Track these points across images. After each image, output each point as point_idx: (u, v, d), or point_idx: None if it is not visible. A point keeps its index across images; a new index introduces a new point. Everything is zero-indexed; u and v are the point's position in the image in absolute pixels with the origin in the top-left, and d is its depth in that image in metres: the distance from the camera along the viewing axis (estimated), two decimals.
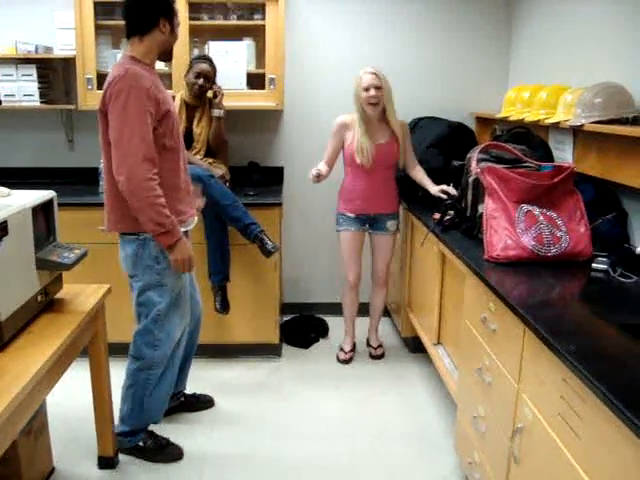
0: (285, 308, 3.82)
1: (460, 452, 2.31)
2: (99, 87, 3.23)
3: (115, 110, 1.98)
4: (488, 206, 2.21)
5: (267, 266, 3.13)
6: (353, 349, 3.36)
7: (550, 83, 2.79)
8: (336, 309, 3.67)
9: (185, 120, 3.08)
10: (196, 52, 3.34)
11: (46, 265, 1.91)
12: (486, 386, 1.96)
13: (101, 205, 3.09)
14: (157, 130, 2.06)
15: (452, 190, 2.85)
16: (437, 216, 2.69)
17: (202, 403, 2.80)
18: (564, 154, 2.62)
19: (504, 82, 3.63)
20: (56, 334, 1.80)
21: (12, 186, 1.96)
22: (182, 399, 2.73)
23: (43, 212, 1.97)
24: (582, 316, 1.70)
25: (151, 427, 2.47)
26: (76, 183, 3.43)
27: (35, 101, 3.30)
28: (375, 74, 2.86)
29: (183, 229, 2.23)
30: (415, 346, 3.37)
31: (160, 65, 2.57)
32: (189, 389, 2.77)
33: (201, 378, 2.97)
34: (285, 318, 3.72)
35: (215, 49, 3.27)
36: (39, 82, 3.29)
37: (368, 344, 3.41)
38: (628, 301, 1.81)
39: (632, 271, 1.98)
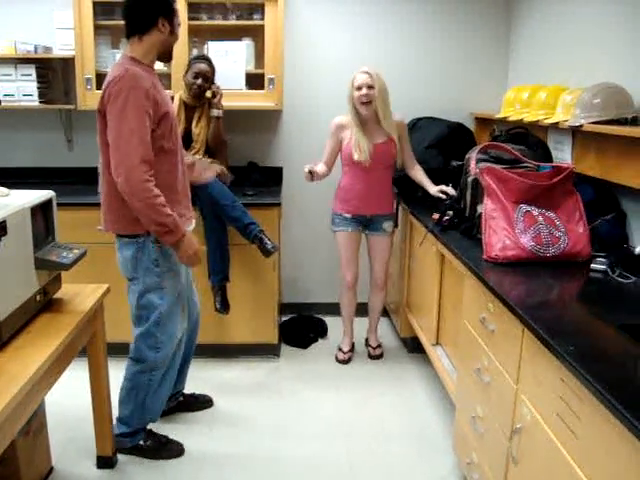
0: (284, 308, 3.82)
1: (458, 452, 2.31)
2: (98, 87, 3.23)
3: (114, 111, 1.98)
4: (487, 206, 2.21)
5: (266, 266, 3.13)
6: (352, 349, 3.37)
7: (549, 83, 2.80)
8: (335, 309, 3.66)
9: (184, 120, 3.08)
10: (195, 52, 3.34)
11: (45, 265, 1.91)
12: (485, 386, 1.96)
13: (100, 205, 3.10)
14: (155, 132, 2.05)
15: (451, 190, 2.85)
16: (436, 216, 2.69)
17: (201, 403, 2.80)
18: (563, 154, 2.62)
19: (503, 82, 3.63)
20: (55, 334, 1.80)
21: (11, 186, 1.96)
22: (181, 399, 2.73)
23: (42, 212, 1.97)
24: (581, 316, 1.70)
25: (150, 426, 2.47)
26: (75, 183, 3.43)
27: (34, 101, 3.30)
28: (368, 73, 2.86)
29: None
30: (414, 346, 3.37)
31: (159, 65, 2.57)
32: (188, 389, 2.77)
33: (200, 378, 2.97)
34: (284, 318, 3.72)
35: (214, 49, 3.27)
36: (38, 82, 3.29)
37: (367, 344, 3.41)
38: (627, 301, 1.81)
39: (631, 271, 1.98)
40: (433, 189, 2.99)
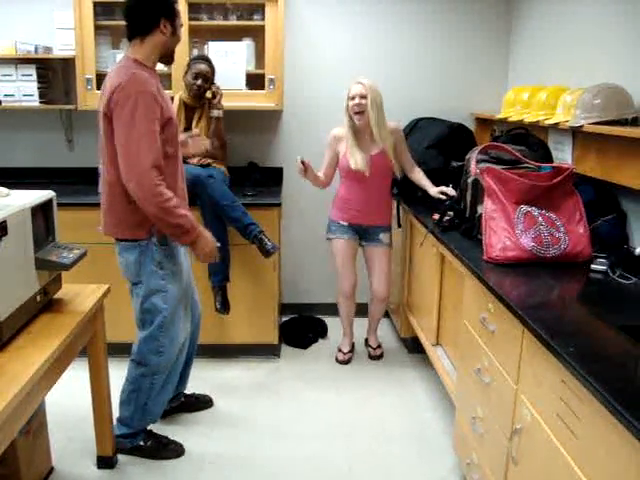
0: (284, 308, 3.82)
1: (459, 453, 2.31)
2: (98, 87, 3.22)
3: (122, 116, 1.97)
4: (487, 207, 2.21)
5: (266, 266, 3.13)
6: (352, 350, 3.37)
7: (550, 83, 2.80)
8: (335, 310, 3.66)
9: (184, 121, 3.08)
10: (196, 52, 3.34)
11: (45, 265, 1.91)
12: (485, 387, 1.96)
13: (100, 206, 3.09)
14: (160, 137, 2.05)
15: (451, 191, 2.85)
16: (436, 217, 2.69)
17: (202, 403, 2.80)
18: (563, 155, 2.62)
19: (503, 82, 3.63)
20: (55, 334, 1.80)
21: (11, 186, 1.96)
22: (182, 399, 2.73)
23: (42, 212, 1.97)
24: (581, 317, 1.70)
25: (150, 426, 2.47)
26: (75, 183, 3.43)
27: (34, 101, 3.30)
28: (362, 84, 2.88)
29: None
30: (414, 347, 3.37)
31: (159, 65, 2.57)
32: (188, 389, 2.77)
33: (200, 378, 2.97)
34: (284, 318, 3.72)
35: (215, 49, 3.27)
36: (38, 82, 3.29)
37: (367, 344, 3.42)
38: (627, 302, 1.80)
39: (631, 272, 1.98)
40: (433, 190, 2.99)
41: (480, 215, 2.30)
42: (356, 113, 2.89)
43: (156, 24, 2.05)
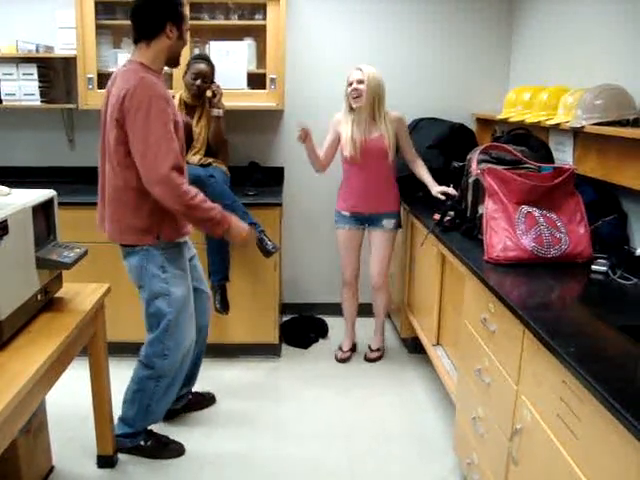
0: (285, 308, 3.82)
1: (459, 453, 2.31)
2: (100, 87, 3.24)
3: (137, 121, 1.97)
4: (488, 207, 2.21)
5: (267, 266, 3.13)
6: (352, 349, 3.37)
7: (551, 84, 2.80)
8: (336, 309, 3.67)
9: None
10: (197, 52, 3.34)
11: (46, 264, 1.92)
12: (485, 387, 1.96)
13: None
14: None
15: (452, 191, 2.85)
16: (437, 217, 2.68)
17: (206, 400, 2.82)
18: (564, 155, 2.62)
19: (505, 83, 3.63)
20: (55, 333, 1.80)
21: (12, 185, 1.96)
22: (190, 397, 2.75)
23: (43, 211, 1.97)
24: (581, 318, 1.70)
25: (150, 426, 2.47)
26: (76, 182, 3.43)
27: (36, 100, 3.30)
28: (360, 70, 2.90)
29: (185, 239, 2.30)
30: (414, 347, 3.37)
31: None
32: None
33: (201, 378, 2.95)
34: (285, 318, 3.72)
35: (216, 49, 3.27)
36: (40, 81, 3.29)
37: (369, 345, 3.41)
38: (628, 303, 1.81)
39: (632, 273, 1.98)
40: (435, 190, 2.99)
41: (481, 215, 2.30)
42: (354, 98, 2.92)
43: (162, 28, 2.05)
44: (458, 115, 3.59)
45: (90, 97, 3.25)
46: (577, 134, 2.48)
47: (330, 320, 3.71)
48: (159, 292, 2.21)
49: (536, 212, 2.15)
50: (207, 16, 3.34)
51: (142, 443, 2.42)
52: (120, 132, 2.02)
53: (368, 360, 3.32)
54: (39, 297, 1.91)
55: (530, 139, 2.71)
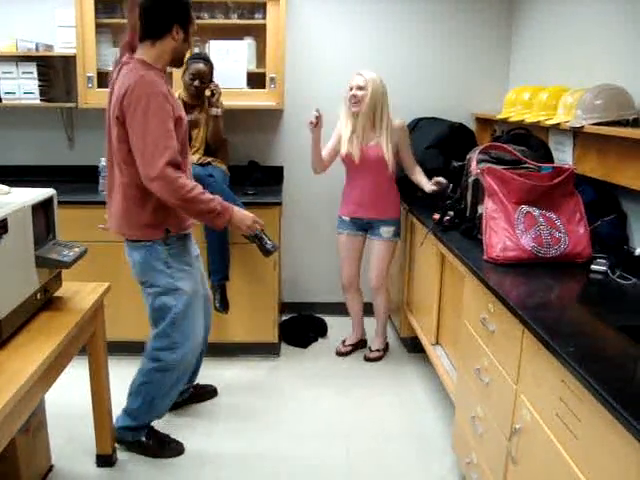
0: (284, 307, 3.82)
1: (458, 452, 2.31)
2: (99, 85, 3.23)
3: (136, 118, 1.97)
4: (488, 207, 2.21)
5: (266, 265, 3.13)
6: (356, 346, 3.38)
7: (550, 84, 2.80)
8: (335, 309, 3.67)
9: None
10: (196, 51, 3.33)
11: (45, 263, 1.91)
12: (484, 387, 1.97)
13: (101, 203, 3.08)
14: None
15: (443, 180, 2.87)
16: (437, 216, 2.69)
17: (208, 393, 2.85)
18: (564, 155, 2.62)
19: (504, 82, 3.63)
20: (55, 332, 1.80)
21: (12, 184, 1.96)
22: (192, 391, 2.77)
23: (43, 210, 1.97)
24: (581, 317, 1.70)
25: (152, 423, 2.47)
26: (76, 181, 3.42)
27: (35, 99, 3.29)
28: (361, 75, 2.91)
29: (187, 232, 2.30)
30: (414, 346, 3.37)
31: None
32: None
33: (201, 377, 2.95)
34: (284, 317, 3.72)
35: (216, 48, 3.27)
36: (39, 80, 3.29)
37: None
38: (627, 303, 1.81)
39: (631, 273, 1.98)
40: (428, 187, 2.99)
41: (480, 215, 2.31)
42: (353, 103, 2.93)
43: (168, 30, 2.05)
44: (458, 115, 3.59)
45: (90, 96, 3.25)
46: (577, 134, 2.48)
47: (329, 319, 3.70)
48: (165, 287, 2.22)
49: (535, 212, 2.16)
50: (207, 15, 3.33)
51: (143, 439, 2.42)
52: (121, 130, 2.03)
53: (367, 360, 3.32)
54: (38, 296, 1.91)
55: (530, 139, 2.72)
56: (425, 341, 3.02)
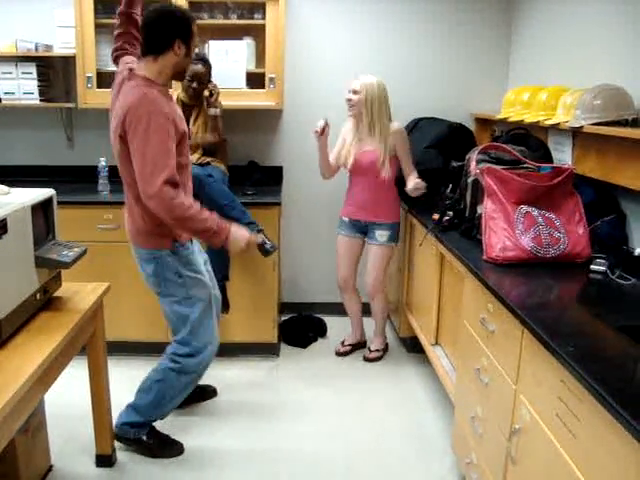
0: (284, 308, 3.82)
1: (457, 452, 2.31)
2: (99, 86, 3.24)
3: (137, 137, 1.98)
4: (487, 207, 2.21)
5: (266, 266, 3.13)
6: (356, 346, 3.38)
7: (550, 84, 2.80)
8: (334, 309, 3.67)
9: None
10: (196, 51, 3.33)
11: (45, 263, 1.91)
12: (484, 387, 1.97)
13: (100, 203, 3.09)
14: (175, 150, 2.07)
15: (420, 183, 2.90)
16: (436, 216, 2.69)
17: (208, 393, 2.86)
18: (563, 155, 2.62)
19: (504, 83, 3.63)
20: (54, 332, 1.80)
21: (11, 184, 1.96)
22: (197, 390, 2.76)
23: (42, 210, 1.97)
24: (580, 317, 1.70)
25: (153, 424, 2.47)
26: (75, 181, 3.43)
27: (35, 99, 3.29)
28: (358, 79, 2.93)
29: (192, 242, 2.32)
30: (413, 346, 3.37)
31: None
32: None
33: None
34: (283, 318, 3.72)
35: (215, 48, 3.27)
36: (39, 80, 3.29)
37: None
38: (626, 303, 1.81)
39: (630, 273, 1.98)
40: (408, 187, 2.97)
41: (480, 215, 2.31)
42: (349, 107, 2.96)
43: (170, 45, 2.05)
44: (457, 115, 3.59)
45: (89, 96, 3.25)
46: (576, 134, 2.48)
47: (329, 319, 3.70)
48: (180, 297, 2.25)
49: (535, 212, 2.16)
50: (206, 15, 3.34)
51: (144, 438, 2.42)
52: (124, 147, 2.05)
53: (367, 360, 3.32)
54: (38, 296, 1.91)
55: (529, 139, 2.72)
56: (425, 341, 3.02)
